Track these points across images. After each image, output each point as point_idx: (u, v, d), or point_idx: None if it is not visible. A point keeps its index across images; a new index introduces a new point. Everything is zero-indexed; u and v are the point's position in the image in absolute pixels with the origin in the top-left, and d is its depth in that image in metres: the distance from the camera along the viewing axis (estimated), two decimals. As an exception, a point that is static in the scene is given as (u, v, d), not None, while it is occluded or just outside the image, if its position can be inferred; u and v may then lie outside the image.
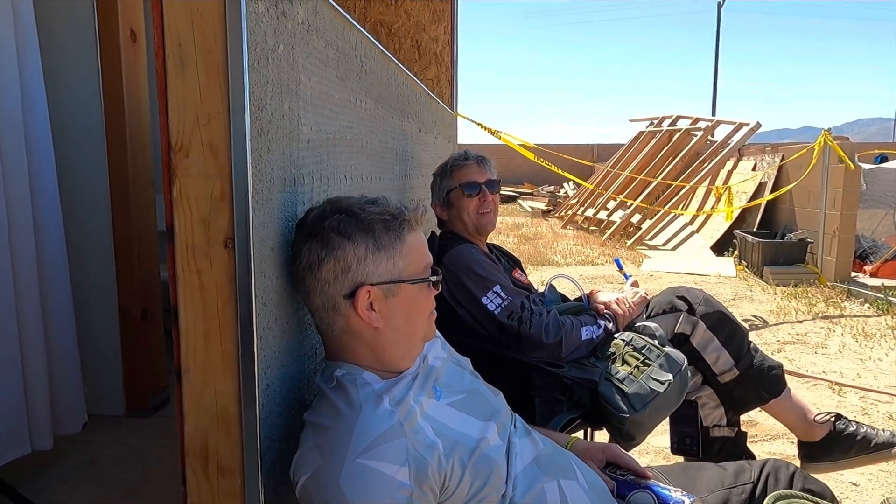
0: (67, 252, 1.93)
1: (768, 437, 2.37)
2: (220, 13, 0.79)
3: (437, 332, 1.11)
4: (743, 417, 1.80)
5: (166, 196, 0.82)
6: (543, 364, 1.46)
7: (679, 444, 1.75)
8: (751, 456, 1.77)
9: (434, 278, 0.94)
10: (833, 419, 1.70)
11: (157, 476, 1.89)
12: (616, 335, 1.54)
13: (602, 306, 1.62)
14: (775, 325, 4.04)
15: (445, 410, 0.93)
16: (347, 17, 1.26)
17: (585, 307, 1.62)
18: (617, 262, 2.02)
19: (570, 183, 12.07)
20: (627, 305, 1.61)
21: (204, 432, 0.86)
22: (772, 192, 6.36)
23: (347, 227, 0.88)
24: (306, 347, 1.06)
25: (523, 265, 1.90)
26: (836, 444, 1.67)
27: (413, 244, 0.93)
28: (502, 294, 1.47)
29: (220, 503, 0.87)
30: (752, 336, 1.97)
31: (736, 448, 1.73)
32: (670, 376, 1.43)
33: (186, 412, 0.86)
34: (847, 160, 5.06)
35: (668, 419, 1.66)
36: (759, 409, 1.75)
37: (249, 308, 0.83)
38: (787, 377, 1.76)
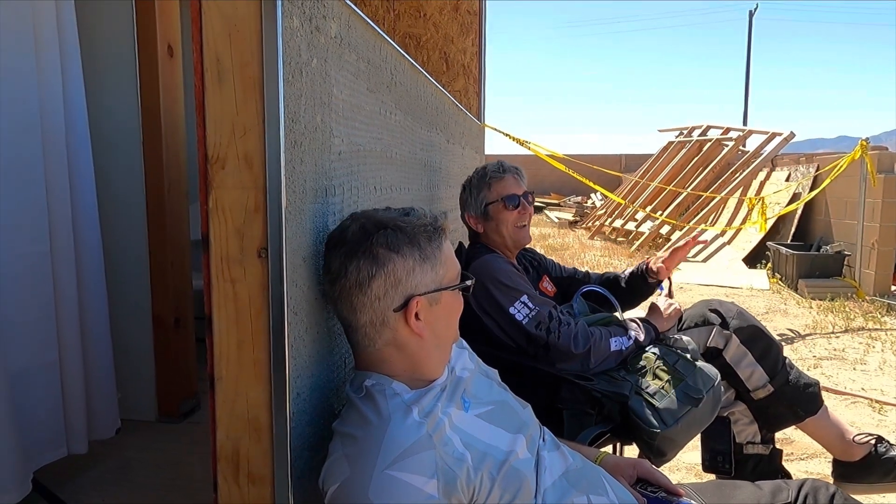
0: (104, 261, 1.98)
1: (805, 456, 2.30)
2: (257, 29, 0.81)
3: (465, 344, 1.11)
4: (779, 435, 1.76)
5: (202, 206, 0.84)
6: (572, 377, 1.44)
7: (711, 462, 1.71)
8: (786, 475, 1.72)
9: (469, 283, 0.98)
10: (874, 441, 1.64)
11: (187, 481, 1.91)
12: (647, 348, 1.51)
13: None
14: (811, 339, 3.93)
15: (474, 422, 0.93)
16: (378, 30, 1.28)
17: (615, 318, 1.61)
18: None
19: (598, 193, 11.97)
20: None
21: (236, 440, 0.87)
22: (807, 203, 6.21)
23: (395, 242, 0.89)
24: (336, 357, 1.07)
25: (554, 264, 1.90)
26: (874, 466, 1.62)
27: (448, 251, 0.96)
28: (530, 304, 1.47)
29: (250, 510, 0.87)
30: (786, 351, 1.92)
31: (770, 466, 1.68)
32: (703, 392, 1.40)
33: (219, 419, 0.87)
34: (874, 176, 4.93)
35: (699, 435, 1.62)
36: (794, 427, 1.70)
37: (282, 317, 0.84)
38: (823, 394, 1.71)
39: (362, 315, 0.90)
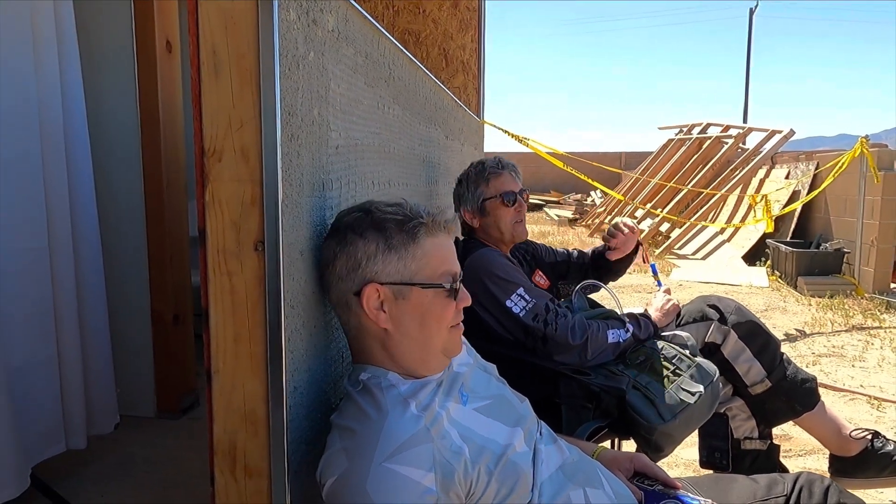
0: (103, 257, 1.98)
1: (803, 453, 2.30)
2: (254, 21, 0.80)
3: (463, 339, 1.11)
4: (777, 431, 1.76)
5: (199, 200, 0.84)
6: (570, 371, 1.44)
7: (709, 457, 1.71)
8: (784, 470, 1.72)
9: (448, 285, 0.91)
10: (870, 436, 1.64)
11: (186, 477, 1.92)
12: (645, 343, 1.51)
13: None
14: (810, 336, 3.93)
15: (472, 416, 0.93)
16: (376, 25, 1.28)
17: (613, 313, 1.61)
18: (653, 268, 1.98)
19: (598, 191, 11.97)
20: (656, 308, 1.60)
21: (232, 433, 0.87)
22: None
23: (360, 225, 0.90)
24: (333, 351, 1.07)
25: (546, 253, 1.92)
26: (870, 461, 1.62)
27: (430, 249, 0.91)
28: (526, 296, 1.47)
29: (247, 503, 0.87)
30: (785, 348, 1.92)
31: (768, 462, 1.69)
32: (701, 387, 1.40)
33: (216, 413, 0.87)
34: (875, 173, 4.92)
35: (697, 431, 1.62)
36: (792, 422, 1.70)
37: (278, 311, 0.84)
38: (822, 391, 1.71)
39: (331, 294, 0.94)
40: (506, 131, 4.92)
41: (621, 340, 1.49)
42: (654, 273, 1.92)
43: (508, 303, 1.46)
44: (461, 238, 1.75)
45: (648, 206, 8.18)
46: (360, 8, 1.15)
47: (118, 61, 2.16)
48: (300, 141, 0.89)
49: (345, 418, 0.87)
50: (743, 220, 6.90)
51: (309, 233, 0.94)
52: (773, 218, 6.06)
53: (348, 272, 0.90)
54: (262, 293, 0.84)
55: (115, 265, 2.17)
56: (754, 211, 6.62)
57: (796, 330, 4.08)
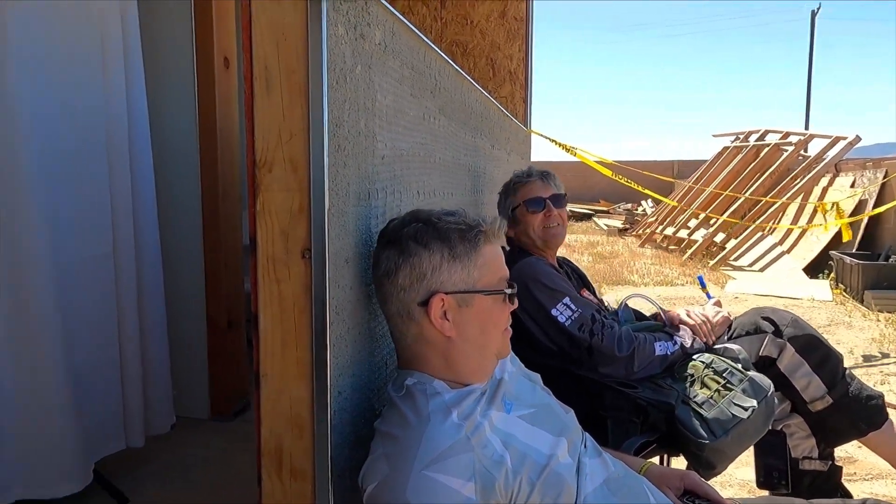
0: (162, 264, 2.08)
1: (869, 476, 2.17)
2: (303, 37, 0.83)
3: None
4: (840, 453, 1.67)
5: (251, 209, 0.87)
6: (616, 384, 1.41)
7: (765, 477, 1.64)
8: (847, 494, 1.64)
9: (509, 291, 0.95)
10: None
11: (237, 478, 1.97)
12: (695, 357, 1.47)
13: (676, 319, 1.56)
14: (878, 353, 3.72)
15: (515, 423, 0.92)
16: (423, 37, 1.30)
17: (661, 326, 1.57)
18: (700, 280, 1.93)
19: (649, 200, 11.70)
20: (701, 320, 1.54)
21: (279, 436, 0.89)
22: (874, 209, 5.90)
23: (424, 236, 0.91)
24: (377, 358, 1.08)
25: (596, 286, 1.87)
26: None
27: (489, 256, 0.94)
28: (572, 306, 1.45)
29: (292, 504, 0.89)
30: (850, 365, 1.83)
31: (829, 483, 1.60)
32: (755, 402, 1.35)
33: (263, 416, 0.89)
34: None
35: (752, 449, 1.56)
36: (857, 443, 1.61)
37: (324, 317, 0.86)
38: (890, 410, 1.62)
39: (391, 305, 0.93)
40: (553, 140, 4.89)
41: (669, 353, 1.45)
42: (703, 285, 1.86)
43: (554, 312, 1.45)
44: (504, 247, 1.75)
45: (706, 212, 7.90)
46: (406, 21, 1.17)
47: (179, 77, 2.27)
48: (346, 152, 0.92)
49: (387, 424, 0.88)
50: (816, 224, 6.54)
51: (354, 241, 0.96)
52: (848, 225, 5.72)
53: (412, 283, 0.90)
54: (308, 300, 0.86)
55: (174, 271, 2.26)
56: (823, 218, 6.30)
57: (863, 346, 3.87)
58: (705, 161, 10.24)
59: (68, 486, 1.66)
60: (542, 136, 4.40)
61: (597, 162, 5.62)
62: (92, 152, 1.76)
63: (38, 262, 1.58)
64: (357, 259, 0.97)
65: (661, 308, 1.64)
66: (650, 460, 1.23)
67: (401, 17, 1.14)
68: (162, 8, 2.23)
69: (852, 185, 6.68)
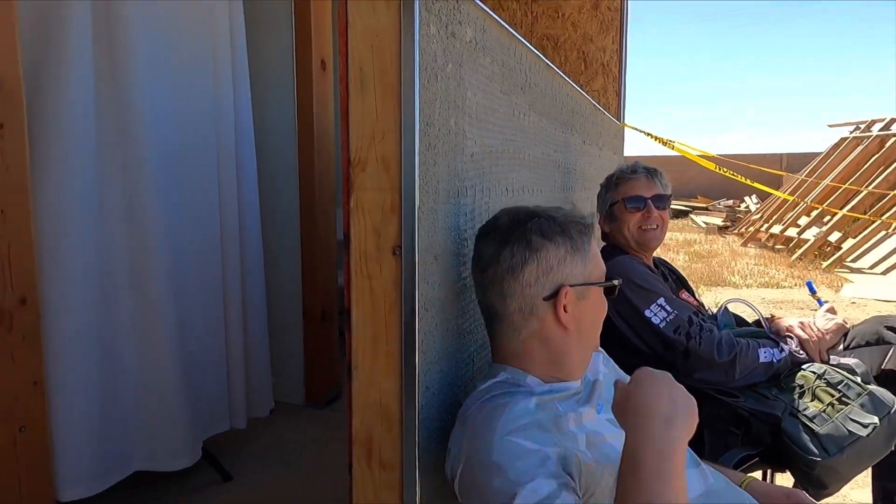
0: (263, 257, 2.21)
1: None
2: (397, 38, 0.85)
3: (600, 348, 1.08)
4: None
5: (345, 206, 0.91)
6: (715, 391, 1.34)
7: (884, 501, 1.49)
8: None
9: (616, 282, 0.96)
10: None
11: (329, 464, 2.06)
12: (805, 366, 1.36)
13: (784, 330, 1.44)
14: None
15: (604, 425, 0.90)
16: (514, 33, 1.29)
17: (766, 332, 1.46)
18: (809, 285, 1.78)
19: (753, 196, 10.97)
20: (815, 331, 1.42)
21: (369, 427, 0.92)
22: None
23: (549, 230, 0.91)
24: (464, 354, 1.09)
25: (692, 287, 1.77)
26: None
27: (595, 251, 0.95)
28: (667, 307, 1.39)
29: (380, 494, 0.92)
30: None
31: (963, 514, 1.44)
32: (875, 419, 1.23)
33: (354, 407, 0.93)
34: None
35: (870, 470, 1.42)
36: None
37: (413, 312, 0.88)
38: None
39: (512, 302, 0.91)
40: (648, 134, 4.69)
41: (775, 360, 1.35)
42: (812, 291, 1.71)
43: (647, 313, 1.39)
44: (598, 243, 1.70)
45: (823, 206, 7.26)
46: (497, 17, 1.17)
47: (280, 80, 2.39)
48: (437, 150, 0.93)
49: (469, 409, 0.89)
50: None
51: (443, 238, 0.97)
52: None
53: (538, 277, 0.90)
54: (398, 295, 0.88)
55: (274, 265, 2.39)
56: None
57: None
58: (818, 154, 9.46)
59: (180, 461, 1.81)
60: (636, 129, 4.23)
61: (699, 155, 5.34)
62: (203, 153, 1.90)
63: (156, 252, 1.72)
64: (446, 256, 0.98)
65: (762, 316, 1.52)
66: (751, 475, 1.15)
67: (491, 13, 1.13)
68: (265, 13, 2.36)
69: None
